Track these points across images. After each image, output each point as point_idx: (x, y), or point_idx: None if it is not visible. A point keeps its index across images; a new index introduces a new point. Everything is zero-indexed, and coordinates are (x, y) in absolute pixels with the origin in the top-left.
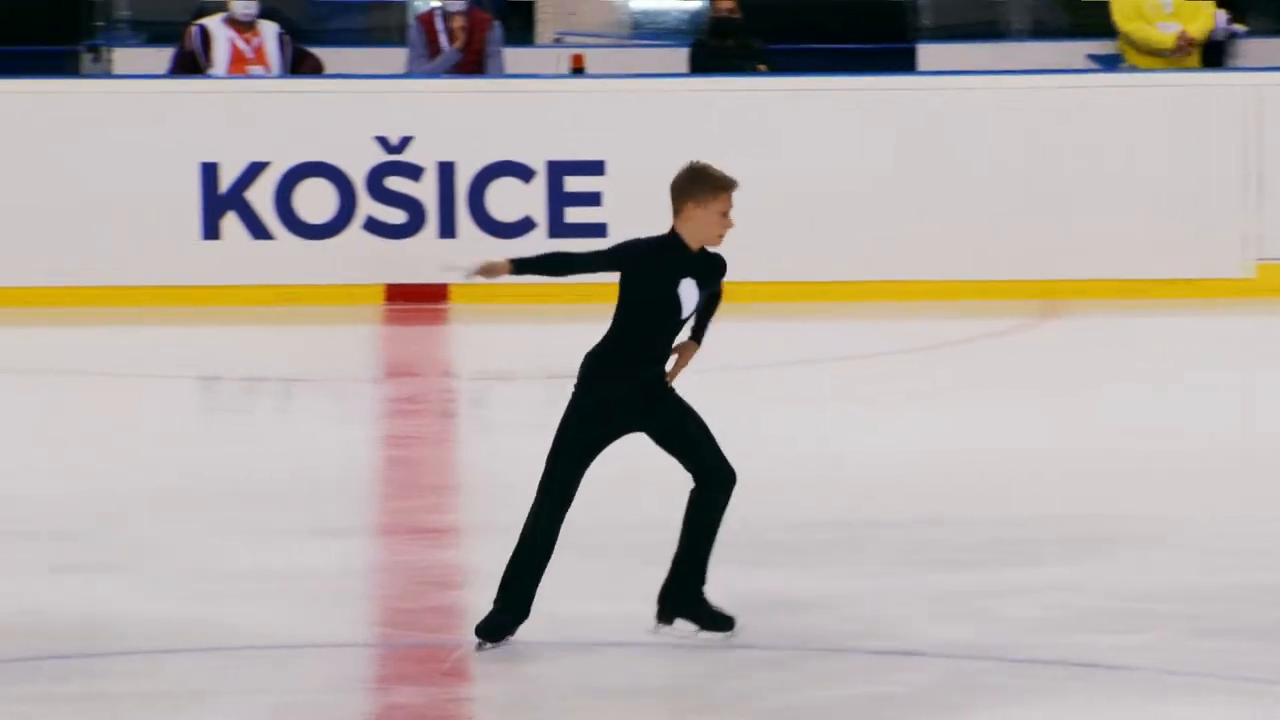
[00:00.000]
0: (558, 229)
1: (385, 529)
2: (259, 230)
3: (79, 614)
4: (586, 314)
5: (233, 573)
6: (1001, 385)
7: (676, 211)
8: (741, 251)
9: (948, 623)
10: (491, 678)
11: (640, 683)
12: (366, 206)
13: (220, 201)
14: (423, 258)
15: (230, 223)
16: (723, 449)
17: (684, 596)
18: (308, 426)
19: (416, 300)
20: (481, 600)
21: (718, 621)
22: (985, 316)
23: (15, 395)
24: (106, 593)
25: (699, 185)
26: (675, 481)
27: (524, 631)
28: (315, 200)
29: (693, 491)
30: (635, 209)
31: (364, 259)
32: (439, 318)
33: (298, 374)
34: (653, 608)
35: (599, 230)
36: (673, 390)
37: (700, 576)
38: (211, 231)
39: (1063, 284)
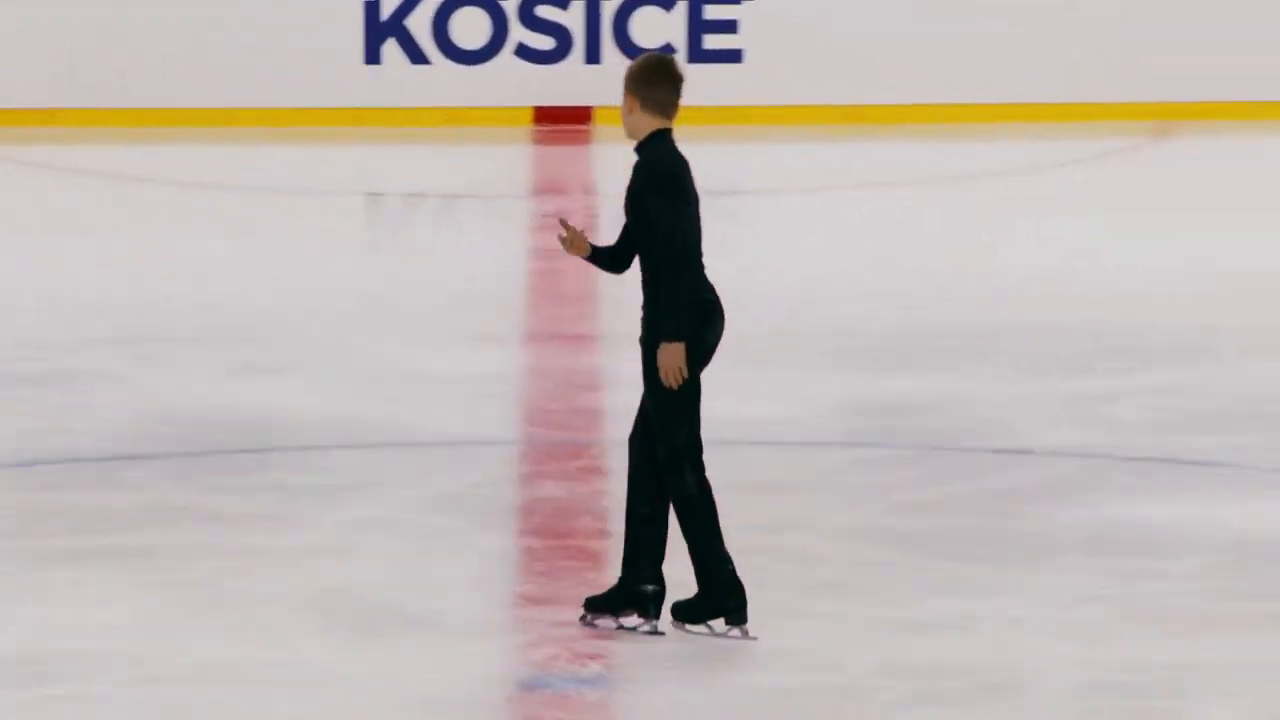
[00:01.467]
0: (697, 55)
1: (534, 336)
2: (417, 56)
3: (260, 411)
4: (717, 134)
5: (397, 375)
6: (1118, 203)
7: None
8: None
9: (1065, 425)
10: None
11: (778, 477)
12: (518, 34)
13: (381, 28)
14: (569, 82)
15: (390, 48)
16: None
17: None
18: (464, 240)
19: (562, 122)
20: (618, 402)
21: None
22: (1102, 136)
23: (196, 209)
24: (283, 392)
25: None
26: None
27: None
28: (470, 27)
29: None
30: (772, 36)
31: (514, 83)
32: (583, 138)
33: (454, 191)
34: None
35: (735, 56)
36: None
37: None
38: (373, 57)
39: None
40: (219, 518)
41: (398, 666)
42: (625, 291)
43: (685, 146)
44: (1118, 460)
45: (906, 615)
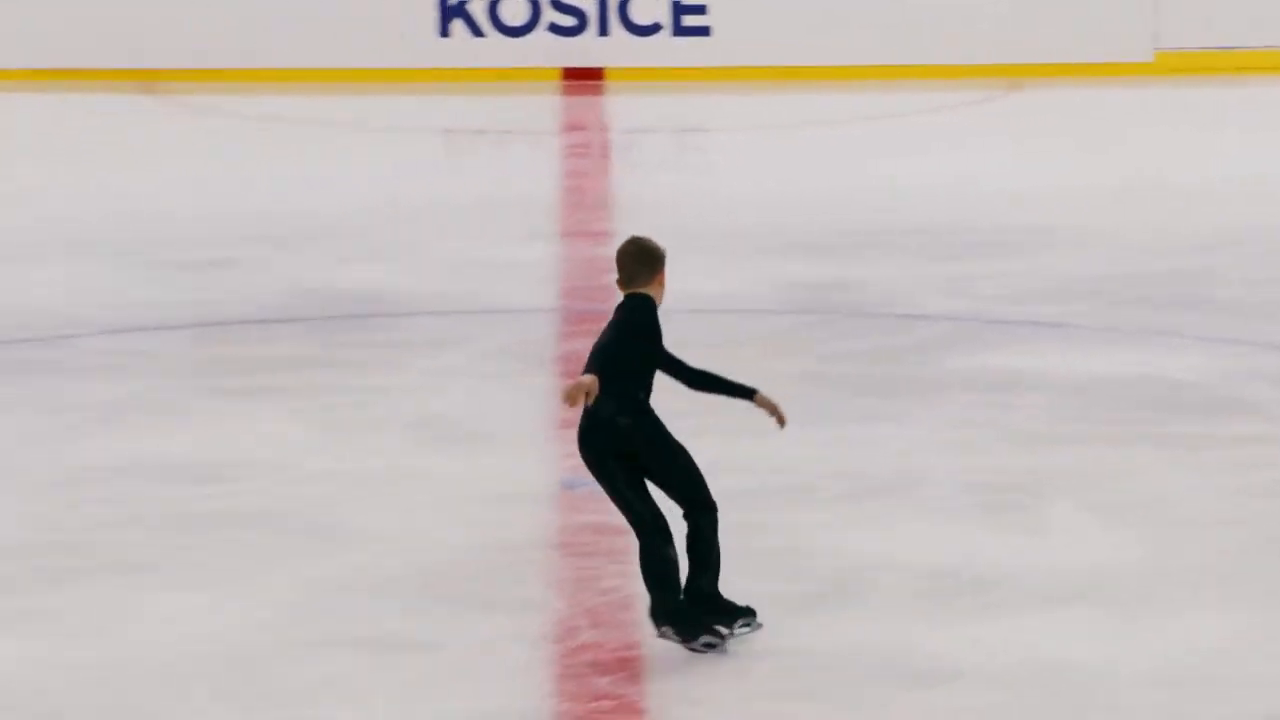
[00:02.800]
0: (677, 30)
1: (566, 232)
2: (476, 30)
3: (369, 288)
4: (711, 84)
5: (466, 261)
6: (988, 137)
7: (655, 278)
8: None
9: (946, 297)
10: None
11: (733, 335)
12: (549, 14)
13: (450, 10)
14: (587, 49)
15: (457, 24)
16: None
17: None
18: (512, 163)
19: (582, 78)
20: None
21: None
22: (970, 89)
23: (317, 142)
24: (385, 274)
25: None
26: None
27: None
28: (514, 9)
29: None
30: (735, 13)
31: (547, 50)
32: (597, 90)
33: (504, 128)
34: None
35: (705, 31)
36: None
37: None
38: (445, 31)
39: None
40: (343, 365)
41: (470, 469)
42: (634, 196)
43: (673, 99)
44: (985, 323)
45: (832, 434)
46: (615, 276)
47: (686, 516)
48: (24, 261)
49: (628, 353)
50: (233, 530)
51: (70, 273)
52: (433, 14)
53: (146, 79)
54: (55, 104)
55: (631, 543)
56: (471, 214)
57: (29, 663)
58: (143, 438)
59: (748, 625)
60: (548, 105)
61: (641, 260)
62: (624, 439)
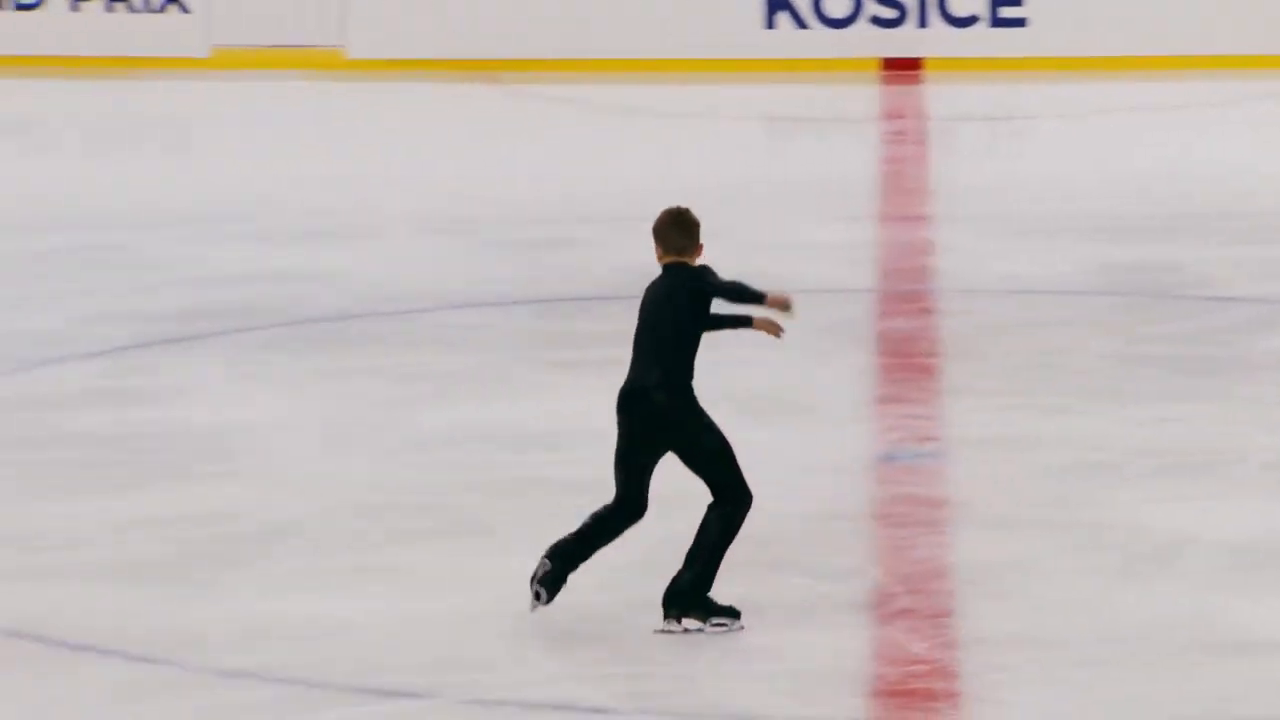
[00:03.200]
0: (995, 21)
1: (884, 216)
2: (800, 22)
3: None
4: (1027, 74)
5: (791, 241)
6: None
7: (696, 247)
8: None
9: (1260, 280)
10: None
11: (1049, 316)
12: (871, 7)
13: (775, 3)
14: (907, 40)
15: (782, 17)
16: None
17: (693, 597)
18: (836, 149)
19: (902, 68)
20: (947, 264)
21: (725, 612)
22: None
23: (656, 130)
24: (707, 257)
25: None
26: None
27: None
28: (837, 3)
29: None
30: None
31: (869, 41)
32: (916, 79)
33: (829, 116)
34: None
35: (1021, 23)
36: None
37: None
38: (771, 23)
39: None
40: None
41: (793, 441)
42: (950, 181)
43: (990, 88)
44: None
45: (1145, 413)
46: (656, 249)
47: (711, 506)
48: (387, 239)
49: (680, 321)
50: (566, 496)
51: (423, 251)
52: (760, 6)
53: (492, 69)
54: (417, 93)
55: (949, 514)
56: (793, 198)
57: (372, 614)
58: (483, 407)
59: (723, 626)
60: (868, 94)
61: (685, 230)
62: (659, 413)
